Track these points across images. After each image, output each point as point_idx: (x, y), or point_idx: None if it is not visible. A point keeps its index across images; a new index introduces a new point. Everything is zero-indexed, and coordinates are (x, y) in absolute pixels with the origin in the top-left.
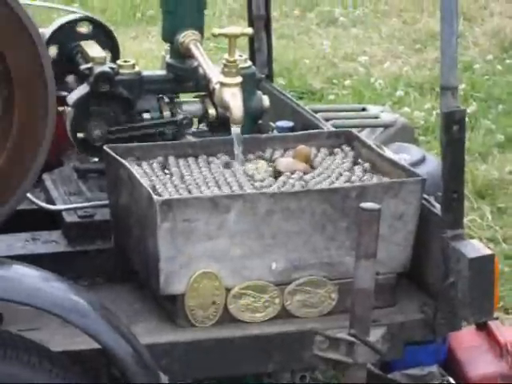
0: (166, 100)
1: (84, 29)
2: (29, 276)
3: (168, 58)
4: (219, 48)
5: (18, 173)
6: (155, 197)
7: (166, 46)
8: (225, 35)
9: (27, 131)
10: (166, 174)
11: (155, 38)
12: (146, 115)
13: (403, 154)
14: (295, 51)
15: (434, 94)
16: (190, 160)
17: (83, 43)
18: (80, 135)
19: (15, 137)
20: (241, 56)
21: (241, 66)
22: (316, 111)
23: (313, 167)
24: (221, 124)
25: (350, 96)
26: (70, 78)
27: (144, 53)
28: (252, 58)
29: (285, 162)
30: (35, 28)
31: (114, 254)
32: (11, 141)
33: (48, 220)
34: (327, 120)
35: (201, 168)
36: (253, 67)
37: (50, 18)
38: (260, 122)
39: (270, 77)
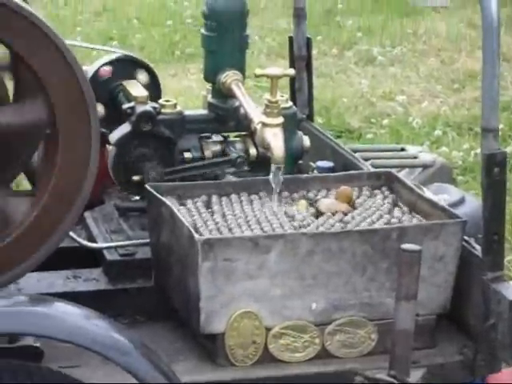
0: (217, 139)
1: (129, 69)
2: (70, 314)
3: (210, 98)
4: (258, 86)
5: (60, 211)
6: (197, 236)
7: (208, 86)
8: (267, 76)
9: (70, 170)
10: (207, 212)
11: (194, 76)
12: (187, 154)
13: (443, 195)
14: (333, 90)
15: (472, 134)
16: (233, 199)
17: (125, 82)
18: (136, 178)
19: (58, 175)
20: (282, 96)
21: (282, 106)
22: (355, 151)
23: (354, 208)
24: (261, 164)
25: (387, 135)
26: (99, 108)
27: (183, 90)
28: (293, 97)
29: (326, 202)
30: (80, 67)
31: (155, 292)
32: (54, 179)
33: (89, 258)
34: (366, 160)
35: (242, 207)
36: (294, 107)
37: (89, 56)
38: (300, 161)
39: (310, 117)
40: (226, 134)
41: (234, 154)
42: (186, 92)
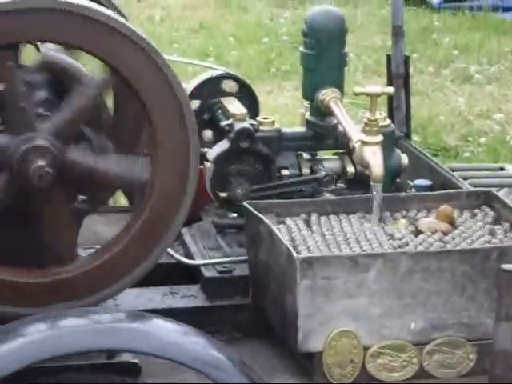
0: (306, 157)
1: (226, 85)
2: (169, 330)
3: (308, 116)
4: (353, 103)
5: (159, 227)
6: (295, 254)
7: (306, 104)
8: (366, 94)
9: (170, 187)
10: (306, 230)
11: (290, 93)
12: (284, 172)
13: None
14: (430, 108)
15: None
16: (332, 217)
17: (224, 99)
18: (223, 194)
19: (158, 192)
20: (380, 114)
21: (381, 124)
22: (453, 170)
23: (454, 227)
24: (359, 182)
25: (485, 154)
26: (208, 134)
27: (278, 108)
28: (390, 115)
29: (427, 221)
30: (181, 86)
31: (252, 309)
32: (154, 196)
33: (186, 274)
34: (465, 179)
35: (341, 225)
36: (392, 125)
37: (186, 72)
38: (398, 180)
39: (407, 135)
40: (313, 152)
41: (322, 172)
42: (281, 109)
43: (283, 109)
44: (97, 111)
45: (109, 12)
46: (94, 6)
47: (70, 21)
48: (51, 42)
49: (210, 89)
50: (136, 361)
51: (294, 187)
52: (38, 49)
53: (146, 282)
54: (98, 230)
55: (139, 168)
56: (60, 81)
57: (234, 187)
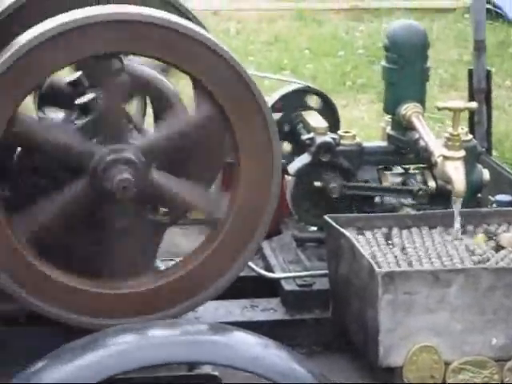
0: (399, 171)
1: (308, 99)
2: (250, 343)
3: (389, 130)
4: (431, 118)
5: (241, 241)
6: (377, 269)
7: (387, 118)
8: (449, 109)
9: (252, 201)
10: (387, 245)
11: (365, 107)
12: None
13: None
14: (507, 123)
15: None
16: (413, 231)
17: (305, 113)
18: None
19: (240, 206)
20: (462, 129)
21: (462, 139)
22: None
23: None
24: (440, 197)
25: None
26: (287, 147)
27: (354, 121)
28: (471, 130)
29: (508, 237)
30: (264, 99)
31: (332, 323)
32: (236, 210)
33: (266, 287)
34: None
35: (423, 240)
36: (474, 140)
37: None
38: (479, 195)
39: (488, 150)
40: (407, 167)
41: (416, 185)
42: (356, 122)
43: (359, 122)
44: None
45: (203, 31)
46: (191, 25)
47: (167, 37)
48: (145, 56)
49: (292, 102)
50: (216, 373)
51: (388, 194)
52: (121, 62)
53: (227, 294)
54: (177, 242)
55: (215, 202)
56: (158, 100)
57: (328, 181)
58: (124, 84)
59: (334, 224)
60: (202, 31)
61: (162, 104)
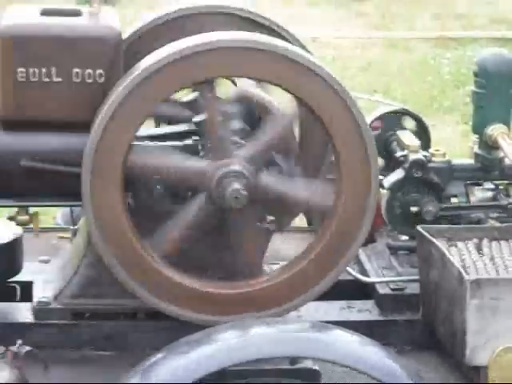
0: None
1: (402, 120)
2: (348, 340)
3: (476, 149)
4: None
5: (341, 248)
6: (466, 276)
7: (475, 138)
8: None
9: (352, 211)
10: (476, 254)
11: (451, 127)
12: (453, 200)
13: None
14: None
15: None
16: (502, 243)
17: (399, 132)
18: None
19: (341, 215)
20: None
21: None
22: None
23: None
24: None
25: None
26: (380, 163)
27: (441, 140)
28: None
29: None
30: (363, 119)
31: (422, 324)
32: (338, 218)
33: (362, 290)
34: None
35: (511, 251)
36: None
37: None
38: None
39: None
40: (497, 182)
41: (505, 200)
42: (443, 142)
43: (445, 141)
44: (286, 140)
45: (308, 55)
46: (297, 49)
47: (275, 61)
48: (255, 79)
49: (388, 122)
50: (316, 367)
51: (479, 210)
52: (234, 83)
53: (326, 295)
54: (279, 247)
55: (325, 193)
56: (253, 112)
57: (424, 204)
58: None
59: (425, 234)
60: (307, 55)
61: (262, 112)
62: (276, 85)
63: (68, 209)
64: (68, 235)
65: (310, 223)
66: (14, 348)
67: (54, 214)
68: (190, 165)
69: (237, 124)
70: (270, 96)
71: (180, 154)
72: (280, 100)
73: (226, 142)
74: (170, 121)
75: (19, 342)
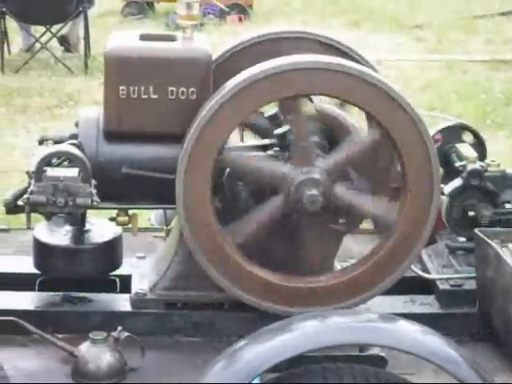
0: None
1: (461, 133)
2: (412, 329)
3: None
4: None
5: (406, 248)
6: None
7: None
8: None
9: (417, 216)
10: None
11: (502, 141)
12: (507, 206)
13: None
14: None
15: None
16: None
17: (458, 145)
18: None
19: (407, 221)
20: None
21: None
22: None
23: None
24: None
25: None
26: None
27: (493, 153)
28: None
29: None
30: (428, 132)
31: (478, 317)
32: (403, 222)
33: (423, 286)
34: None
35: None
36: None
37: None
38: None
39: None
40: None
41: None
42: (495, 155)
43: (497, 154)
44: (363, 160)
45: (379, 77)
46: (368, 70)
47: (349, 81)
48: (332, 97)
49: (448, 135)
50: (383, 354)
51: None
52: (311, 100)
53: (391, 290)
54: (350, 247)
55: (389, 210)
56: (329, 128)
57: (480, 209)
58: (311, 118)
59: (482, 236)
60: (376, 75)
61: (342, 132)
62: (351, 103)
63: (161, 211)
64: (162, 234)
65: (376, 226)
66: (114, 334)
67: (147, 216)
68: (274, 167)
69: (316, 138)
70: (346, 113)
71: (266, 158)
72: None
73: (310, 152)
74: (255, 132)
75: (119, 328)
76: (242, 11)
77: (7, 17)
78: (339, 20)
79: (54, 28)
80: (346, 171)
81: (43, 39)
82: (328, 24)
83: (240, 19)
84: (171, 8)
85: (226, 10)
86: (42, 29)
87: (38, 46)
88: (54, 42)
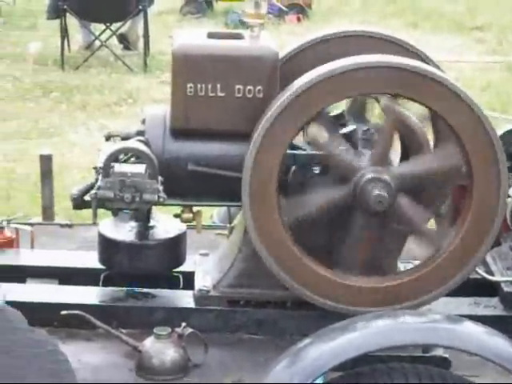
0: None
1: None
2: (477, 331)
3: None
4: None
5: (471, 249)
6: None
7: None
8: None
9: (482, 217)
10: None
11: None
12: None
13: None
14: None
15: None
16: None
17: None
18: None
19: (471, 222)
20: None
21: None
22: None
23: None
24: None
25: None
26: None
27: None
28: None
29: None
30: (495, 134)
31: None
32: (467, 224)
33: (486, 288)
34: None
35: None
36: None
37: None
38: None
39: None
40: None
41: None
42: None
43: None
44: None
45: (447, 77)
46: (438, 71)
47: (416, 80)
48: (398, 96)
49: (509, 138)
50: (446, 355)
51: None
52: (377, 101)
53: (456, 292)
54: (412, 248)
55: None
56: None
57: None
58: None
59: None
60: (445, 76)
61: (414, 143)
62: (417, 101)
63: (223, 208)
64: (224, 232)
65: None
66: (178, 330)
67: (209, 214)
68: (351, 158)
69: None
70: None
71: (319, 193)
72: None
73: (387, 154)
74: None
75: (183, 324)
76: (301, 11)
77: (68, 14)
78: (398, 20)
79: (114, 26)
80: (413, 184)
81: (103, 37)
82: (387, 24)
83: (298, 19)
84: (230, 7)
85: (285, 9)
86: (101, 26)
87: (97, 43)
88: (114, 40)
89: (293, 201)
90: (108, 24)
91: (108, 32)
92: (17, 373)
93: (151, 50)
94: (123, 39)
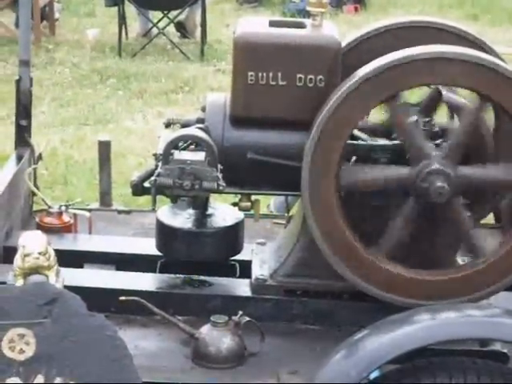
0: None
1: None
2: None
3: None
4: None
5: None
6: None
7: None
8: None
9: None
10: None
11: None
12: None
13: None
14: None
15: None
16: None
17: None
18: None
19: None
20: None
21: None
22: None
23: None
24: None
25: None
26: None
27: None
28: None
29: None
30: None
31: None
32: None
33: None
34: None
35: None
36: None
37: None
38: None
39: None
40: None
41: None
42: None
43: None
44: (477, 133)
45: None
46: (499, 62)
47: (479, 72)
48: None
49: None
50: (505, 350)
51: None
52: (439, 92)
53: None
54: None
55: None
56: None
57: None
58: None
59: None
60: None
61: (480, 149)
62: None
63: (282, 198)
64: (282, 221)
65: (497, 220)
66: (235, 318)
67: (266, 202)
68: (394, 173)
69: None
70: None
71: (380, 167)
72: None
73: (425, 148)
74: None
75: (240, 312)
76: (358, 1)
77: (126, 1)
78: (457, 12)
79: (172, 14)
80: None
81: (160, 25)
82: (445, 16)
83: (356, 9)
84: None
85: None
86: (159, 14)
87: (154, 31)
88: (171, 28)
89: (378, 246)
90: (166, 12)
91: (165, 20)
92: (76, 357)
93: (208, 38)
94: (180, 27)
